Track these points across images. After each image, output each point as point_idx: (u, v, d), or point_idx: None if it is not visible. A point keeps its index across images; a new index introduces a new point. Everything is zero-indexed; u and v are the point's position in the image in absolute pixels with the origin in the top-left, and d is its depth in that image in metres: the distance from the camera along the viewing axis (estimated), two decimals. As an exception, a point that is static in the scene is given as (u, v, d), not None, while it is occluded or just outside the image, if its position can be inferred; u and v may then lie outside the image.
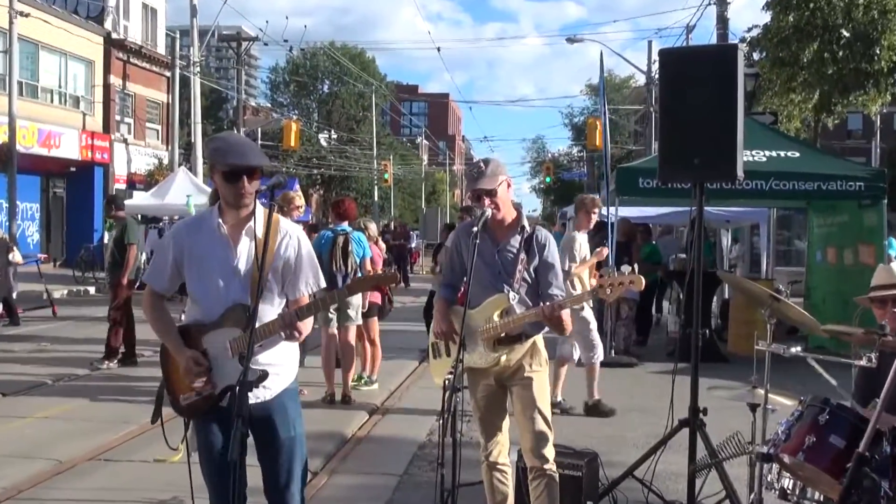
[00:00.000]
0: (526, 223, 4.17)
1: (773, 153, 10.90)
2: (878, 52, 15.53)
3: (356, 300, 7.99)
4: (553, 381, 7.63)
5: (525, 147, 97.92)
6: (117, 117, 29.97)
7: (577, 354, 7.83)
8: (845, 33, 15.61)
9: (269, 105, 59.44)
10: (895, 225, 14.44)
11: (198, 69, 28.21)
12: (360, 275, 7.66)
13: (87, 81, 28.70)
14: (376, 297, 8.75)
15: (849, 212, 11.47)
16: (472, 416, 4.30)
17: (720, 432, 4.72)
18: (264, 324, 3.21)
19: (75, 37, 27.11)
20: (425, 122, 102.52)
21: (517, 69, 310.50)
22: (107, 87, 29.13)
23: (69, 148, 26.83)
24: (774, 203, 13.59)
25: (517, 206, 4.28)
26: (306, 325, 3.30)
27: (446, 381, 3.78)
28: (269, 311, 3.29)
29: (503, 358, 4.06)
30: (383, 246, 10.18)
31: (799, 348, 4.15)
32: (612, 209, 11.37)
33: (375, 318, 8.87)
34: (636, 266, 3.98)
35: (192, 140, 27.49)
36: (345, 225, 8.17)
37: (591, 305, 7.91)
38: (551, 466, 4.11)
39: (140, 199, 23.31)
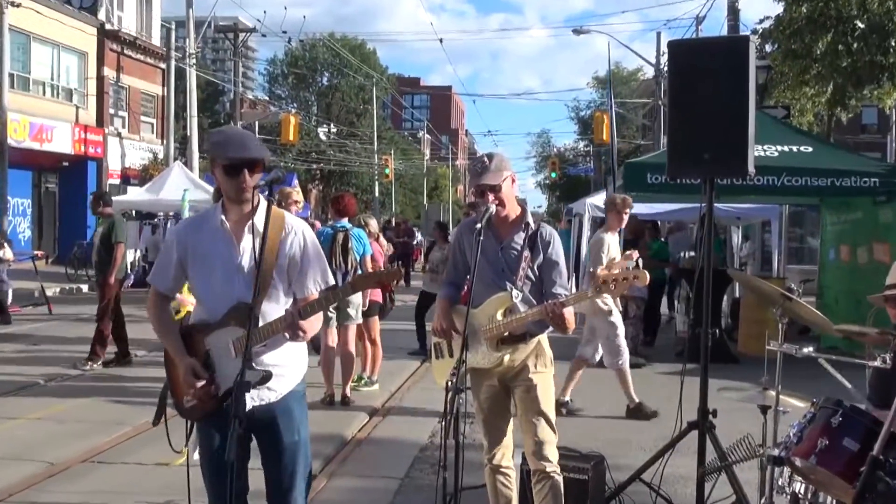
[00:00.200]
0: (530, 220, 4.17)
1: (786, 148, 10.87)
2: (893, 44, 15.47)
3: (356, 298, 7.99)
4: (566, 380, 7.65)
5: (530, 141, 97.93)
6: (111, 110, 29.98)
7: (598, 357, 7.84)
8: (860, 25, 15.56)
9: (267, 98, 59.49)
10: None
11: (194, 61, 28.23)
12: (360, 272, 7.67)
13: (80, 74, 28.70)
14: (377, 295, 8.75)
15: (863, 209, 11.45)
16: (475, 417, 4.30)
17: (730, 435, 4.72)
18: (267, 323, 3.21)
19: (68, 28, 27.12)
20: (427, 115, 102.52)
21: (522, 61, 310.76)
22: (100, 79, 29.14)
23: (61, 142, 26.86)
24: (786, 199, 13.57)
25: (521, 203, 4.28)
26: (311, 325, 3.26)
27: (448, 382, 3.78)
28: (275, 309, 3.28)
29: (506, 358, 4.06)
30: (384, 243, 10.19)
31: (811, 349, 4.15)
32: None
33: (376, 317, 8.87)
34: (640, 261, 3.98)
35: (188, 134, 27.50)
36: (344, 221, 8.17)
37: (620, 309, 7.90)
38: (555, 469, 4.11)
39: (134, 195, 23.32)
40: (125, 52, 30.35)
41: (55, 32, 26.66)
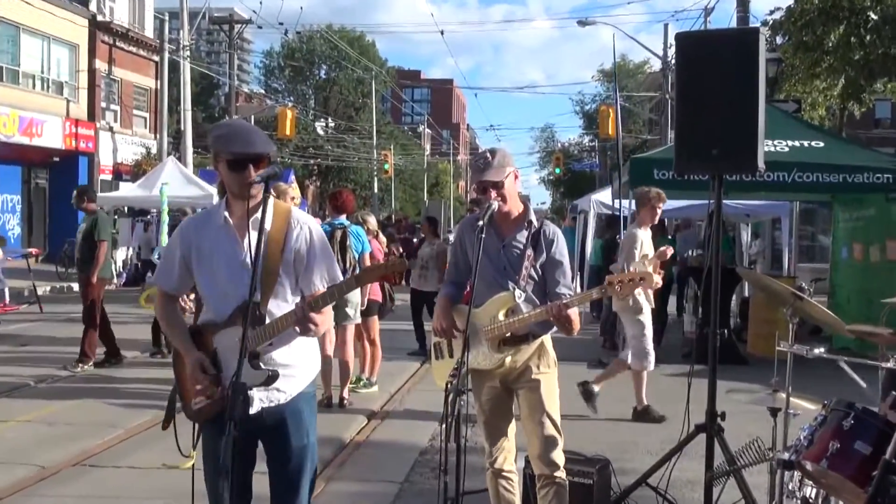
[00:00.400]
0: (533, 217, 4.17)
1: (796, 143, 10.88)
2: (906, 36, 15.48)
3: (355, 297, 8.00)
4: (604, 376, 7.69)
5: (533, 136, 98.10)
6: (103, 104, 29.99)
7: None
8: (873, 16, 15.55)
9: (263, 91, 59.49)
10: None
11: (188, 53, 28.23)
12: (359, 271, 7.67)
13: (71, 66, 28.71)
14: (376, 294, 8.75)
15: (876, 205, 11.44)
16: (477, 420, 4.31)
17: (739, 438, 4.72)
18: (274, 320, 3.20)
19: (59, 19, 27.11)
20: (428, 109, 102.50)
21: (525, 54, 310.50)
22: (92, 72, 29.15)
23: (52, 136, 26.86)
24: (797, 196, 13.57)
25: (524, 199, 4.28)
26: (324, 318, 3.23)
27: (449, 384, 3.78)
28: (282, 308, 3.26)
29: (508, 359, 4.06)
30: (384, 240, 10.18)
31: (822, 349, 4.15)
32: (625, 202, 11.37)
33: (375, 317, 8.87)
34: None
35: (182, 128, 27.50)
36: (342, 218, 8.17)
37: (653, 307, 7.80)
38: (561, 474, 4.11)
39: (127, 191, 23.30)
40: (117, 43, 30.36)
41: (45, 24, 26.66)
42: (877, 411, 3.62)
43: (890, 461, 2.75)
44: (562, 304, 3.91)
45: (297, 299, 3.33)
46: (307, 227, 3.35)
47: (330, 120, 55.68)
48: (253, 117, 41.88)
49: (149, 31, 32.93)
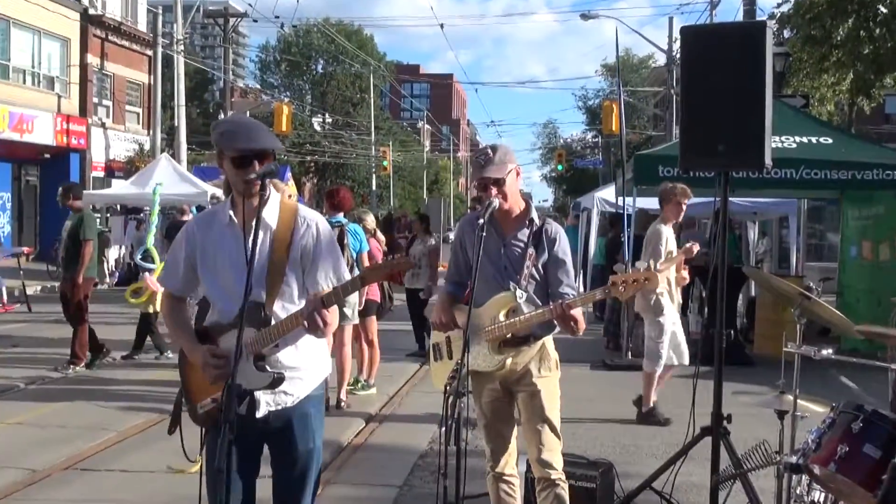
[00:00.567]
0: (535, 215, 4.16)
1: (804, 139, 10.87)
2: (917, 30, 15.49)
3: (352, 297, 7.98)
4: (645, 387, 7.66)
5: (535, 132, 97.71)
6: (95, 100, 29.98)
7: (686, 358, 7.74)
8: (882, 9, 15.55)
9: (259, 86, 59.56)
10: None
11: (182, 48, 28.23)
12: (356, 271, 7.66)
13: (63, 61, 28.69)
14: (374, 294, 8.74)
15: (886, 203, 11.44)
16: (477, 423, 4.30)
17: (745, 441, 4.72)
18: (280, 321, 3.19)
19: (50, 13, 27.09)
20: (427, 104, 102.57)
21: (527, 48, 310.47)
22: (83, 67, 29.13)
23: (43, 133, 26.84)
24: (805, 193, 13.57)
25: (526, 197, 4.27)
26: (333, 316, 3.20)
27: (448, 386, 3.77)
28: (288, 309, 3.24)
29: (508, 361, 4.05)
30: (382, 239, 10.17)
31: (831, 350, 4.15)
32: (629, 200, 11.36)
33: (374, 317, 8.86)
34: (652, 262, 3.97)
35: (176, 124, 27.49)
36: (340, 216, 8.16)
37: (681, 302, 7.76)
38: (560, 476, 4.11)
39: (119, 188, 23.27)
40: (109, 38, 30.33)
41: (36, 17, 26.64)
42: (887, 414, 3.62)
43: (900, 465, 2.76)
44: (565, 305, 3.90)
45: (304, 302, 3.31)
46: (315, 223, 3.34)
47: (327, 116, 55.68)
48: (248, 113, 41.89)
49: (142, 25, 32.91)
